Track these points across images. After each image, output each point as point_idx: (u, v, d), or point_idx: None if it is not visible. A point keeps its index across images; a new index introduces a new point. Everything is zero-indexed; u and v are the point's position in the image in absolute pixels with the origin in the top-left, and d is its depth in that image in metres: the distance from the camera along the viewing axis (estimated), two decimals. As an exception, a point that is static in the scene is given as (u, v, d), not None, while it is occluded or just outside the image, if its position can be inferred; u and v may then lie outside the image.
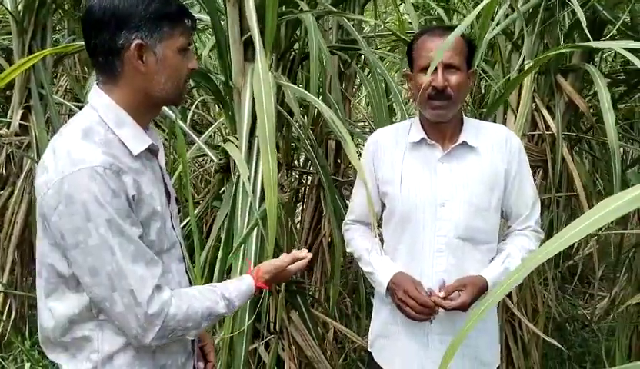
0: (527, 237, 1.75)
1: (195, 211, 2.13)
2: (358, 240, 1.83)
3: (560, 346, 2.52)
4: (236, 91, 1.98)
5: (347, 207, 2.70)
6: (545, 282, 2.96)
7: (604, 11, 2.36)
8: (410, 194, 1.69)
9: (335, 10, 2.56)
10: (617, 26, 2.21)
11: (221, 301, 1.26)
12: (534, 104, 2.75)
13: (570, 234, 0.59)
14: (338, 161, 3.35)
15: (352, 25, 2.76)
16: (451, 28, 1.69)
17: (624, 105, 3.11)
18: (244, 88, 1.95)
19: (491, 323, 1.78)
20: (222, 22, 2.05)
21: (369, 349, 1.84)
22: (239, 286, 1.35)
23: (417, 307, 1.60)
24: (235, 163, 1.88)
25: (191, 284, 1.34)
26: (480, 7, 1.78)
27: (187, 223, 2.11)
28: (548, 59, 2.69)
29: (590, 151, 3.28)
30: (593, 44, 1.65)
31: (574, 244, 3.65)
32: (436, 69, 1.60)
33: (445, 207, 1.66)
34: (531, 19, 2.69)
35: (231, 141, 1.97)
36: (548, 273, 2.96)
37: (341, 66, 3.26)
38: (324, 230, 3.19)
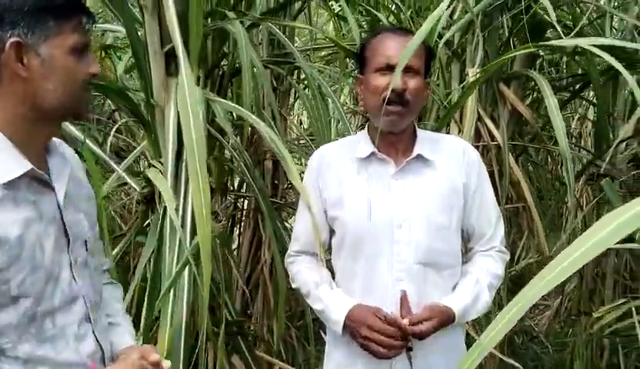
0: (492, 258, 1.59)
1: (116, 249, 1.86)
2: (304, 273, 1.62)
3: (517, 364, 2.40)
4: (159, 109, 1.74)
5: (287, 230, 2.51)
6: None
7: (545, 15, 2.29)
8: (362, 216, 1.51)
9: (267, 17, 2.36)
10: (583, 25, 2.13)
11: None
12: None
13: (574, 257, 0.52)
14: (276, 182, 3.15)
15: (285, 38, 2.57)
16: (410, 31, 1.55)
17: (564, 114, 3.08)
18: (167, 105, 1.71)
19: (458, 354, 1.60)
20: (140, 33, 1.81)
21: None
22: None
23: (385, 342, 1.41)
24: (160, 192, 1.63)
25: (101, 346, 1.09)
26: (433, 17, 1.63)
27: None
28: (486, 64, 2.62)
29: (533, 160, 3.22)
30: (559, 42, 1.53)
31: (515, 252, 3.60)
32: (393, 70, 1.44)
33: (402, 228, 1.49)
34: (470, 27, 2.60)
35: (155, 166, 1.72)
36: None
37: (274, 82, 3.08)
38: (264, 257, 2.97)
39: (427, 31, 1.38)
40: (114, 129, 2.92)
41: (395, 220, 1.49)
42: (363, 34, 2.85)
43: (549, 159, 3.21)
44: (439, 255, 1.51)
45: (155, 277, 1.61)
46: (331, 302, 1.53)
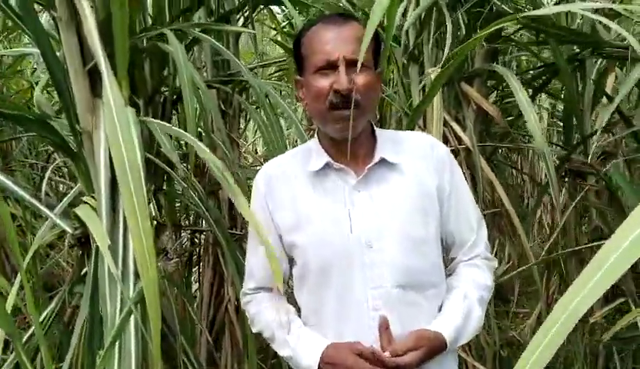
0: (478, 267, 1.39)
1: (51, 305, 1.59)
2: (264, 313, 1.39)
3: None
4: (86, 135, 1.49)
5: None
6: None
7: (503, 5, 2.15)
8: (325, 239, 1.29)
9: (209, 23, 2.15)
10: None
11: None
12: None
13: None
14: (233, 212, 2.91)
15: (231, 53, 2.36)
16: (349, 16, 1.34)
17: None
18: (96, 130, 1.46)
19: None
20: (59, 52, 1.57)
21: None
22: None
23: None
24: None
25: None
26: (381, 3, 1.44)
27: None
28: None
29: (501, 160, 3.08)
30: (545, 10, 1.36)
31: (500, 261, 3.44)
32: (337, 68, 1.22)
33: (373, 248, 1.28)
34: (425, 26, 2.45)
35: (87, 202, 1.47)
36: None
37: (222, 104, 2.86)
38: (227, 295, 2.71)
39: (378, 19, 1.18)
40: (49, 170, 2.64)
41: (363, 239, 1.28)
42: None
43: (522, 158, 3.08)
44: (420, 274, 1.31)
45: (94, 333, 1.34)
46: (300, 345, 1.30)
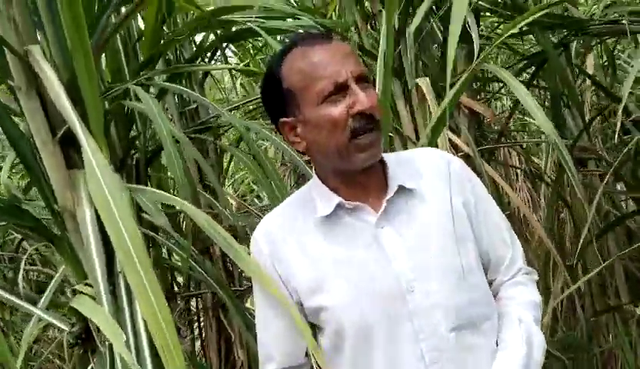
0: (523, 285, 1.21)
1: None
2: None
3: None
4: (67, 214, 1.29)
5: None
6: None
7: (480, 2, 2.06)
8: (359, 293, 1.08)
9: (182, 67, 1.99)
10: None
11: None
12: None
13: None
14: (229, 267, 2.70)
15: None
16: (329, 31, 1.17)
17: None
18: (79, 207, 1.26)
19: None
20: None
21: None
22: None
23: None
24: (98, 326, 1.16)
25: None
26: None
27: None
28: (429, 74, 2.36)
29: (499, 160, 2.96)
30: None
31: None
32: (347, 89, 1.05)
33: (415, 292, 1.07)
34: (401, 38, 2.34)
35: (82, 292, 1.26)
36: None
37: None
38: (239, 358, 2.49)
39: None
40: (23, 261, 2.40)
41: (402, 284, 1.08)
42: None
43: (520, 157, 2.98)
44: (473, 309, 1.11)
45: None
46: None
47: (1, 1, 1.29)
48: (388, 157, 1.18)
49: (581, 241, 2.20)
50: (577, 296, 2.70)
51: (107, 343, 1.12)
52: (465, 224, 1.15)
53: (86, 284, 1.26)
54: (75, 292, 1.27)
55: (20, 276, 2.25)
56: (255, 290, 1.20)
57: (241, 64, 3.73)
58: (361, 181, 1.12)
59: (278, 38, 2.55)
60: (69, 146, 1.31)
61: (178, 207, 1.49)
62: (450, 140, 2.25)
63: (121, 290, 1.23)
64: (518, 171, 3.09)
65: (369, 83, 1.10)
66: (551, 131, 1.77)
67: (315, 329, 1.16)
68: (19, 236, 3.00)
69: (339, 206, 1.11)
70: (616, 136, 2.26)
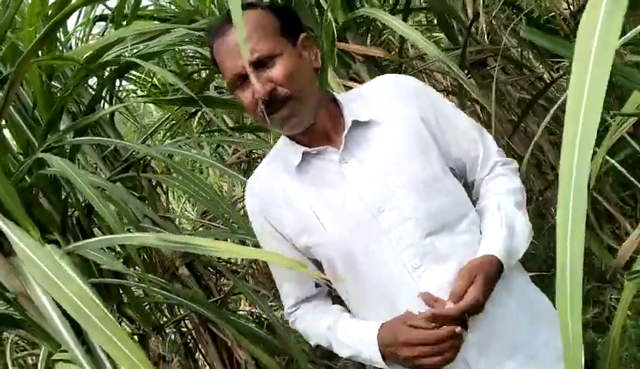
0: (502, 175, 1.29)
1: None
2: (313, 325, 1.32)
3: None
4: (22, 298, 1.34)
5: (251, 317, 2.19)
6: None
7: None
8: (335, 227, 1.20)
9: (85, 119, 2.02)
10: None
11: None
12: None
13: None
14: (203, 282, 2.77)
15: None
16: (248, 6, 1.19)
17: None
18: (28, 286, 1.32)
19: (545, 320, 1.24)
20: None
21: None
22: None
23: (432, 337, 1.08)
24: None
25: None
26: None
27: None
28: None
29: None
30: None
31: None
32: (246, 78, 1.13)
33: (384, 211, 1.17)
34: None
35: (60, 360, 1.33)
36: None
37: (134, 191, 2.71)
38: (242, 359, 2.58)
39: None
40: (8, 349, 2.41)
41: (371, 208, 1.17)
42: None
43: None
44: (445, 214, 1.19)
45: None
46: (355, 340, 1.21)
47: None
48: (347, 95, 1.31)
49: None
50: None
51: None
52: (425, 136, 1.23)
53: (61, 352, 1.33)
54: (53, 363, 1.34)
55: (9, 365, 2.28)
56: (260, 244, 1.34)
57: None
58: (318, 128, 1.23)
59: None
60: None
61: (127, 242, 1.56)
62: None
63: (95, 349, 1.30)
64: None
65: (275, 57, 1.14)
66: (432, 50, 1.88)
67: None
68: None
69: (306, 153, 1.22)
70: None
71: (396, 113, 1.24)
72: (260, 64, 1.13)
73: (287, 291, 1.36)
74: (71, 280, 1.18)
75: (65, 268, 1.17)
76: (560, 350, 1.11)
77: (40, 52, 1.91)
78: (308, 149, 1.22)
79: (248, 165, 3.93)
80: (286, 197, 1.25)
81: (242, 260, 3.00)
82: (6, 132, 2.06)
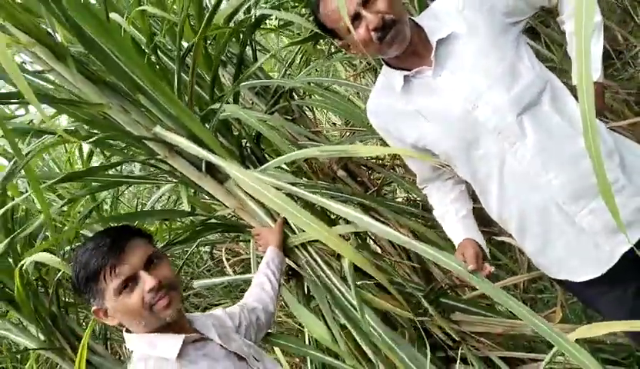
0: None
1: None
2: (434, 208, 1.72)
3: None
4: (240, 211, 1.91)
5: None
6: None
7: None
8: (444, 126, 1.48)
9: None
10: None
11: None
12: None
13: None
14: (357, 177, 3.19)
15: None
16: None
17: None
18: (243, 202, 1.88)
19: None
20: None
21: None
22: None
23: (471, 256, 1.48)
24: None
25: None
26: None
27: None
28: None
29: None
30: None
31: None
32: (359, 16, 1.40)
33: (479, 107, 1.42)
34: None
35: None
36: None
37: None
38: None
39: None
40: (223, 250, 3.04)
41: (468, 107, 1.43)
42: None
43: None
44: (528, 91, 1.41)
45: None
46: (452, 235, 1.65)
47: (121, 109, 1.84)
48: (422, 18, 1.52)
49: None
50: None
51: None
52: (497, 27, 1.44)
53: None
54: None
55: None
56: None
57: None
58: (412, 51, 1.47)
59: None
60: (212, 172, 1.91)
61: (296, 158, 1.98)
62: None
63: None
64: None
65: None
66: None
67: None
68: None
69: (406, 77, 1.50)
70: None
71: (467, 20, 1.45)
72: (365, 2, 1.41)
73: (416, 172, 1.74)
74: (270, 189, 1.68)
75: (265, 181, 1.67)
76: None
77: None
78: (407, 72, 1.49)
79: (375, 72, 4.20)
80: (399, 113, 1.55)
81: (387, 154, 3.31)
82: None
